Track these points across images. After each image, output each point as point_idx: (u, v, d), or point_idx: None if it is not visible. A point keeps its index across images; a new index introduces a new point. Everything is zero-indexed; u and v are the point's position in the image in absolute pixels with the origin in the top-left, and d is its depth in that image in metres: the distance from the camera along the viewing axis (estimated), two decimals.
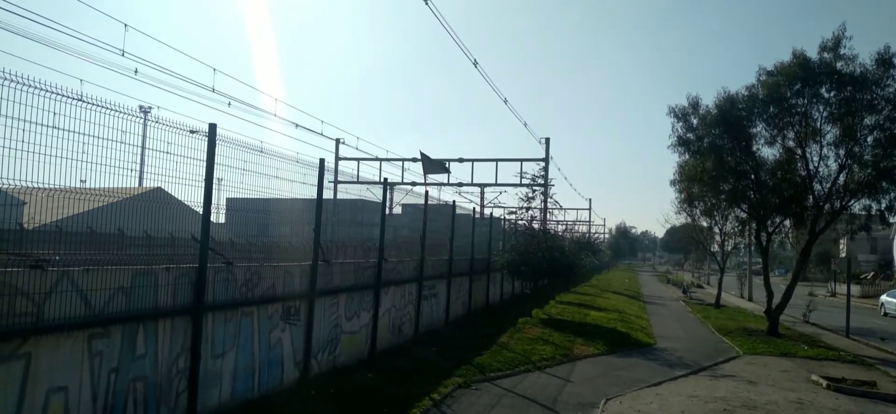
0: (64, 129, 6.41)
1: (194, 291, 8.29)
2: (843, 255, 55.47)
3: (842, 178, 21.52)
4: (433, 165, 33.32)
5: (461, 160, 36.61)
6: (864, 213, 22.42)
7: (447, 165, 35.31)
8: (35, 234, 7.46)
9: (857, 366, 17.20)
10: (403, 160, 37.42)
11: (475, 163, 36.92)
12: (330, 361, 12.13)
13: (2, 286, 5.83)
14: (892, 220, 23.24)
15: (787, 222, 25.59)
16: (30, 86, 6.03)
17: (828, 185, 21.77)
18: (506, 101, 29.18)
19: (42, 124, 6.18)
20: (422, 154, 33.52)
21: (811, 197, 22.29)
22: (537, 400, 11.69)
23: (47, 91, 6.22)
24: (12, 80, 5.86)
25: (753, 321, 27.23)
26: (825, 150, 21.49)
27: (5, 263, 6.08)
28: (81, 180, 6.81)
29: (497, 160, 36.41)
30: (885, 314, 36.70)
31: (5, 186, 5.93)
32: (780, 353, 18.63)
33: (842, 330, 24.77)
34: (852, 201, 22.02)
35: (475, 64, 21.86)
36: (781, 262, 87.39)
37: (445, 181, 35.97)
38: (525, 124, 34.69)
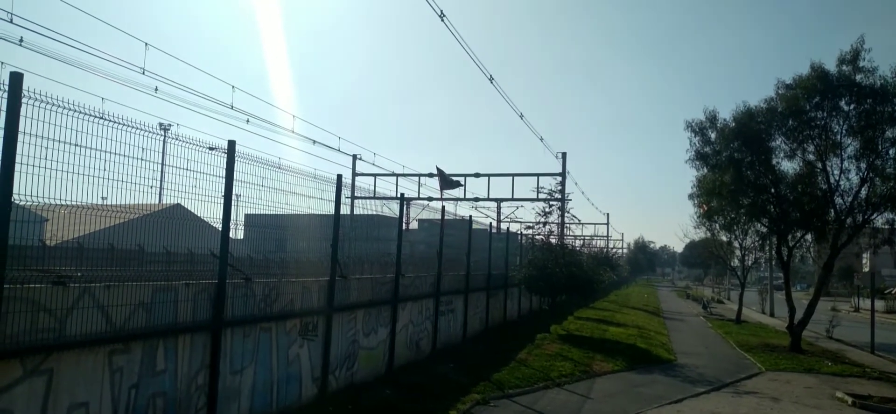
0: (85, 147, 6.50)
1: (213, 306, 8.33)
2: (866, 269, 54.62)
3: (863, 192, 21.23)
4: (448, 180, 33.31)
5: (477, 175, 36.60)
6: (887, 226, 22.09)
7: (464, 181, 35.28)
8: (56, 250, 7.55)
9: (884, 383, 16.86)
10: (419, 175, 37.49)
11: (491, 178, 36.88)
12: (348, 377, 12.11)
13: (24, 302, 5.89)
14: None
15: (809, 236, 25.23)
16: (52, 104, 6.11)
17: (849, 199, 21.48)
18: (522, 116, 29.16)
19: (64, 142, 6.26)
20: (438, 169, 33.59)
21: (833, 211, 22.00)
22: None
23: (69, 109, 6.30)
24: (36, 99, 5.94)
25: (775, 337, 26.84)
26: (846, 164, 21.23)
27: (28, 279, 6.14)
28: (102, 197, 6.88)
29: (513, 175, 36.36)
30: None
31: (27, 203, 5.99)
32: (803, 369, 18.33)
33: (866, 346, 24.32)
34: (875, 215, 21.72)
35: (491, 79, 21.90)
36: (803, 276, 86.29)
37: (462, 196, 36.00)
38: (541, 139, 34.67)
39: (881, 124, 20.08)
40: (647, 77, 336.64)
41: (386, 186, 37.53)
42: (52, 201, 6.15)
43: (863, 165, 20.87)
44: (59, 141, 6.20)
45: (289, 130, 32.49)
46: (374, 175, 37.53)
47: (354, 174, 38.59)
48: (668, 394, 13.93)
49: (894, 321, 41.54)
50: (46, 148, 6.07)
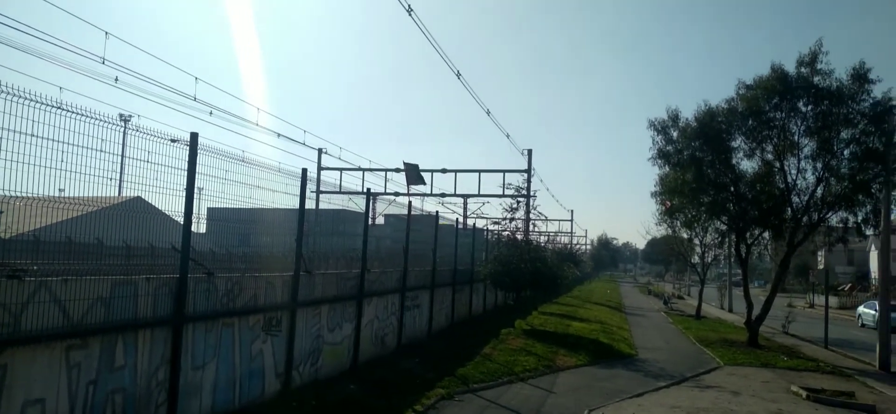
0: (42, 137, 6.34)
1: (174, 301, 8.20)
2: (821, 266, 56.16)
3: (819, 191, 21.83)
4: (415, 173, 33.18)
5: (444, 171, 36.55)
6: (841, 225, 22.71)
7: (431, 177, 35.21)
8: (11, 243, 7.34)
9: (836, 377, 17.38)
10: (386, 170, 37.29)
11: (458, 173, 36.80)
12: (312, 372, 12.03)
13: None
14: (868, 232, 23.54)
15: (766, 234, 25.86)
16: (7, 92, 5.95)
17: (806, 198, 22.05)
18: (489, 113, 29.23)
19: (20, 132, 6.10)
20: (405, 164, 33.47)
21: (789, 209, 22.56)
22: (520, 411, 11.68)
23: (25, 98, 6.14)
24: None
25: (734, 332, 27.44)
26: (803, 164, 21.81)
27: None
28: (60, 189, 6.72)
29: (480, 171, 36.36)
30: (863, 325, 37.16)
31: None
32: (760, 363, 18.78)
33: (820, 341, 25.02)
34: (830, 214, 22.31)
35: (458, 75, 21.91)
36: (761, 273, 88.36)
37: (428, 191, 35.93)
38: (508, 136, 34.81)
39: (837, 126, 20.65)
40: (612, 75, 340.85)
41: (352, 181, 37.30)
42: (7, 193, 5.98)
43: (819, 165, 21.46)
44: (15, 131, 6.05)
45: (253, 123, 31.98)
46: (340, 169, 37.20)
47: (320, 168, 38.26)
48: (630, 388, 14.15)
49: (847, 317, 42.77)
50: (1, 138, 5.91)
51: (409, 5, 16.03)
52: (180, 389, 8.30)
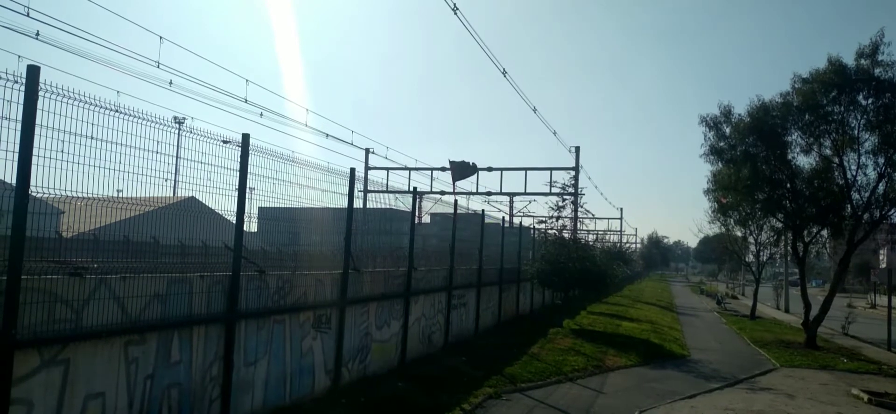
0: (100, 140, 6.55)
1: (227, 298, 8.38)
2: (883, 265, 54.10)
3: (881, 187, 21.00)
4: (462, 170, 33.20)
5: (490, 169, 36.51)
6: None
7: (476, 175, 35.16)
8: (73, 242, 7.61)
9: None
10: (432, 169, 37.45)
11: (504, 172, 36.73)
12: (360, 369, 12.15)
13: (42, 293, 5.96)
14: None
15: (825, 232, 24.99)
16: (68, 97, 6.16)
17: (866, 194, 21.26)
18: (535, 110, 28.99)
19: (79, 135, 6.31)
20: (451, 162, 33.53)
21: (849, 206, 21.76)
22: (569, 411, 11.57)
23: (85, 102, 6.35)
24: (52, 92, 5.99)
25: (790, 333, 26.63)
26: (863, 159, 21.00)
27: (45, 270, 6.20)
28: (117, 190, 6.94)
29: (526, 169, 36.19)
30: None
31: (44, 196, 6.05)
32: (818, 366, 18.19)
33: (883, 343, 24.11)
34: (892, 211, 21.48)
35: (504, 73, 21.81)
36: (818, 272, 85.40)
37: (474, 190, 35.92)
38: (555, 133, 34.52)
39: None
40: (662, 71, 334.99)
41: (398, 180, 37.57)
42: (69, 194, 6.19)
43: (881, 160, 20.64)
44: (75, 134, 6.26)
45: (302, 124, 32.53)
46: (387, 169, 37.53)
47: (367, 168, 38.65)
48: (682, 389, 13.87)
49: None
50: (63, 141, 6.13)
51: (454, 4, 16.04)
52: (233, 384, 8.49)
